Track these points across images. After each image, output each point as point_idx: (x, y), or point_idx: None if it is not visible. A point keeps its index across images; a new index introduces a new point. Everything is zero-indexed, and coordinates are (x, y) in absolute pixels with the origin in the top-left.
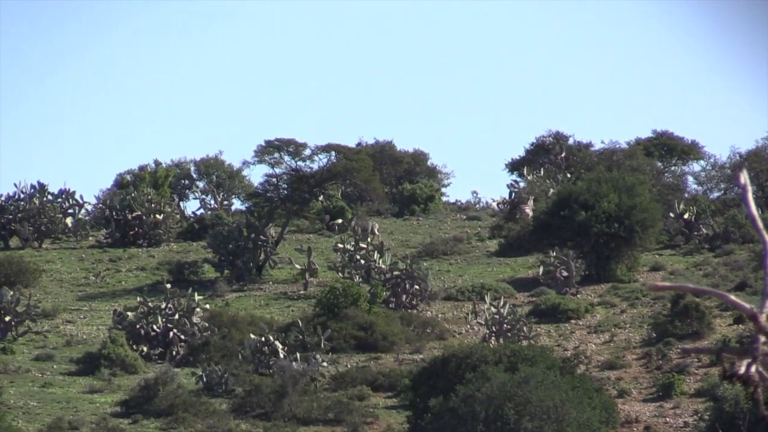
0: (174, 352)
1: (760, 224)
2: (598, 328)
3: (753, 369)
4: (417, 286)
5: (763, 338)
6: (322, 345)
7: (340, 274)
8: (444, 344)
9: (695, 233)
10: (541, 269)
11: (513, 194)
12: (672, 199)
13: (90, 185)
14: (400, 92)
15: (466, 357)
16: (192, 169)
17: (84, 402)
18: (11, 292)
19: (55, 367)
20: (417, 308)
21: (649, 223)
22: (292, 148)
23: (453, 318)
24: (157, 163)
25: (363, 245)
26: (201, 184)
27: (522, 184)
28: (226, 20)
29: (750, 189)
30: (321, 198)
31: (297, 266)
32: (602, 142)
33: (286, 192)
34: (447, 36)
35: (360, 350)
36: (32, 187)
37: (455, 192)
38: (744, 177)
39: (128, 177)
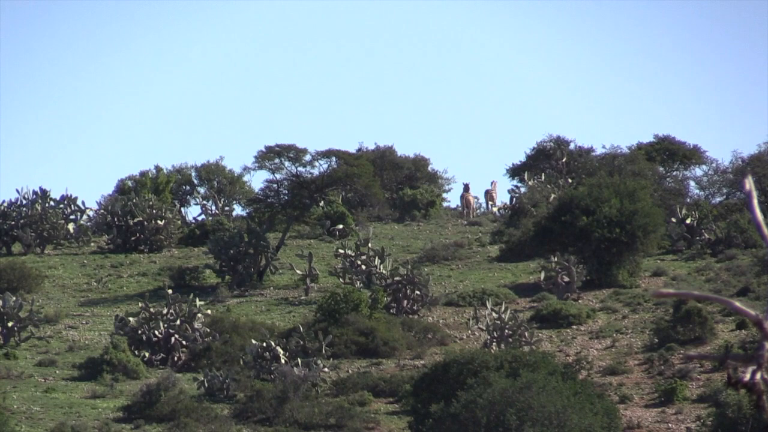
0: (176, 358)
1: (766, 231)
2: (599, 333)
3: (758, 376)
4: (418, 292)
5: None
6: (324, 350)
7: (341, 279)
8: (445, 350)
9: (697, 238)
10: (542, 274)
11: (514, 199)
12: (674, 204)
13: (91, 191)
14: (400, 97)
15: (467, 362)
16: (193, 174)
17: (86, 407)
18: (14, 298)
19: (57, 372)
20: (418, 314)
21: (651, 228)
22: (293, 153)
23: (454, 323)
24: (158, 169)
25: (363, 251)
26: (202, 190)
27: (523, 190)
28: (226, 25)
29: (755, 195)
30: (321, 203)
31: (298, 272)
32: (603, 146)
33: (286, 197)
34: (447, 41)
35: (361, 356)
36: (34, 193)
37: (456, 197)
38: (749, 183)
39: (129, 183)
